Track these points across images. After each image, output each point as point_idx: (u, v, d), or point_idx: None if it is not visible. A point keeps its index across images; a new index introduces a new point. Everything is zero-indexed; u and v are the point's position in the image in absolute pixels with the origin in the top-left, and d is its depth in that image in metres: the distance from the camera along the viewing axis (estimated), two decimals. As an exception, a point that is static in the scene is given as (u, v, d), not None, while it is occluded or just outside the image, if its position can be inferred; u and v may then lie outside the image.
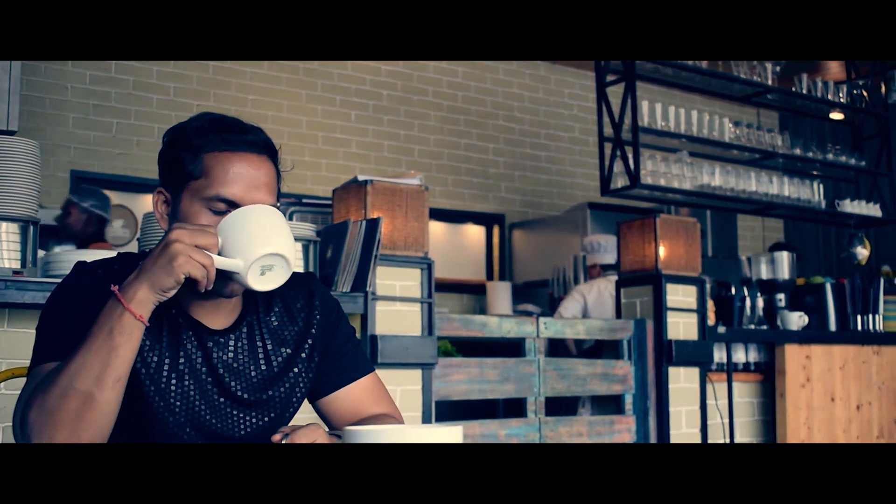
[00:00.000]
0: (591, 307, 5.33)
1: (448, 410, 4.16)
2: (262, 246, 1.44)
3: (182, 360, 1.57)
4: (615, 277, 5.15)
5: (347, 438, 1.14)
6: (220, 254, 1.44)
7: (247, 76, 6.56)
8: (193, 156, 1.52)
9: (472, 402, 4.05)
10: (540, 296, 6.80)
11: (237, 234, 1.45)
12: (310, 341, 1.71)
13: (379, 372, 1.82)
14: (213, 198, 1.50)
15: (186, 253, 1.39)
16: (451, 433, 1.09)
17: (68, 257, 2.86)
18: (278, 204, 1.58)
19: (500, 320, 4.05)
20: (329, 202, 3.75)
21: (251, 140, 1.55)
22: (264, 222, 1.47)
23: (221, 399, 1.60)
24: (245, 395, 1.62)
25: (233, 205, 1.50)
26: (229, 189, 1.50)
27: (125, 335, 1.38)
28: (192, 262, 1.39)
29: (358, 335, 3.33)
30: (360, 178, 3.48)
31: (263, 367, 1.65)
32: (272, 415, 1.65)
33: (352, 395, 1.74)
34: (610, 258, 5.55)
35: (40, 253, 2.91)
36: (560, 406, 4.56)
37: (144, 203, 6.00)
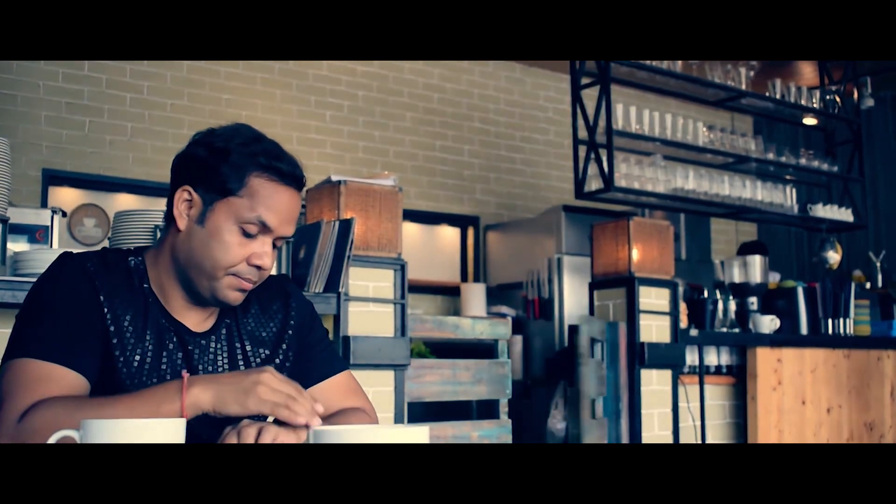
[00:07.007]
0: None
1: (421, 412, 4.16)
2: None
3: (164, 362, 1.58)
4: None
5: (314, 438, 1.13)
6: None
7: (221, 75, 6.53)
8: (238, 174, 1.55)
9: (444, 404, 4.04)
10: (514, 298, 6.80)
11: None
12: (286, 342, 1.73)
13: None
14: (252, 220, 1.55)
15: (278, 400, 1.35)
16: (417, 433, 1.09)
17: (39, 256, 2.83)
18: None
19: (473, 322, 4.05)
20: (302, 202, 3.73)
21: (298, 175, 1.62)
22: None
23: None
24: None
25: (266, 228, 1.56)
26: (270, 216, 1.56)
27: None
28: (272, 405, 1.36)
29: (330, 336, 3.32)
30: (334, 178, 3.46)
31: (242, 369, 1.66)
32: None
33: (326, 391, 1.75)
34: None
35: (9, 251, 2.88)
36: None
37: (116, 202, 5.96)
